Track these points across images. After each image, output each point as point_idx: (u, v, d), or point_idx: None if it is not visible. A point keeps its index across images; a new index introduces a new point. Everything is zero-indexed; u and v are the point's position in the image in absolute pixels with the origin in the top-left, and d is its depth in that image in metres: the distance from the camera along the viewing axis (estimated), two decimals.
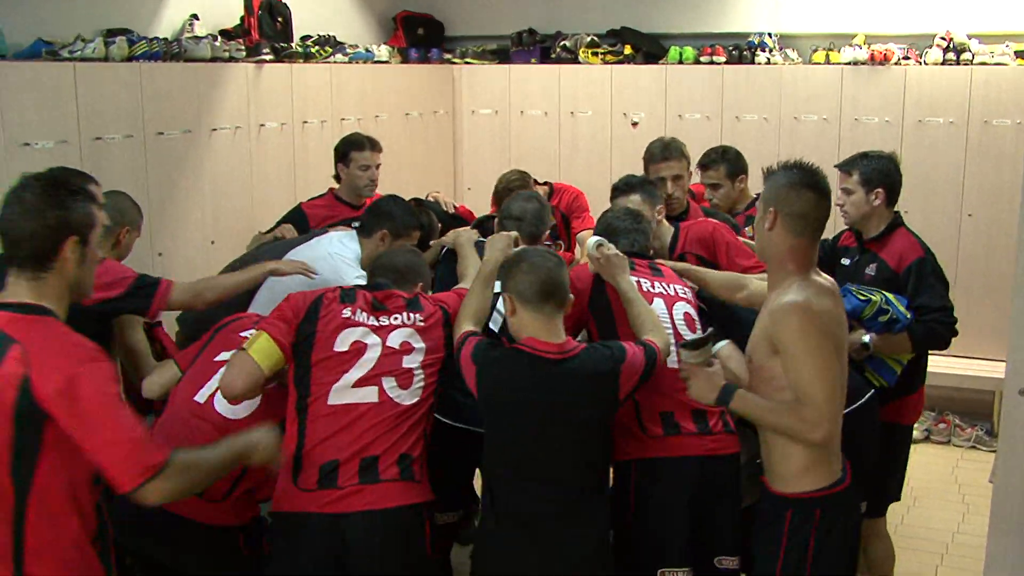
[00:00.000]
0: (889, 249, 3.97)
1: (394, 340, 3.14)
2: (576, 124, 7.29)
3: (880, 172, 3.96)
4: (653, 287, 3.51)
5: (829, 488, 2.91)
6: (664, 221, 4.13)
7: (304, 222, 4.93)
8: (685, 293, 3.58)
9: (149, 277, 3.63)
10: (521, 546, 3.01)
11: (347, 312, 3.15)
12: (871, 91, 6.41)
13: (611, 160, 6.88)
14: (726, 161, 4.89)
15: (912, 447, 5.84)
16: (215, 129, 5.36)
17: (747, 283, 3.62)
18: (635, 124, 7.08)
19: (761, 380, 2.95)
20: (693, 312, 3.53)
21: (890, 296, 3.74)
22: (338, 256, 4.09)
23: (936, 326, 3.83)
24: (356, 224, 4.39)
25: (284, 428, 3.03)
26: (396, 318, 3.19)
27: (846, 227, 4.19)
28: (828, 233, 4.20)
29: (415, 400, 3.09)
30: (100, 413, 2.38)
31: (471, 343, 3.09)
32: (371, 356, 3.10)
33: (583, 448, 3.06)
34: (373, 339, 3.13)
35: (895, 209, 4.06)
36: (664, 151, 4.62)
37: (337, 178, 5.09)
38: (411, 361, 3.13)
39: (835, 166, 4.05)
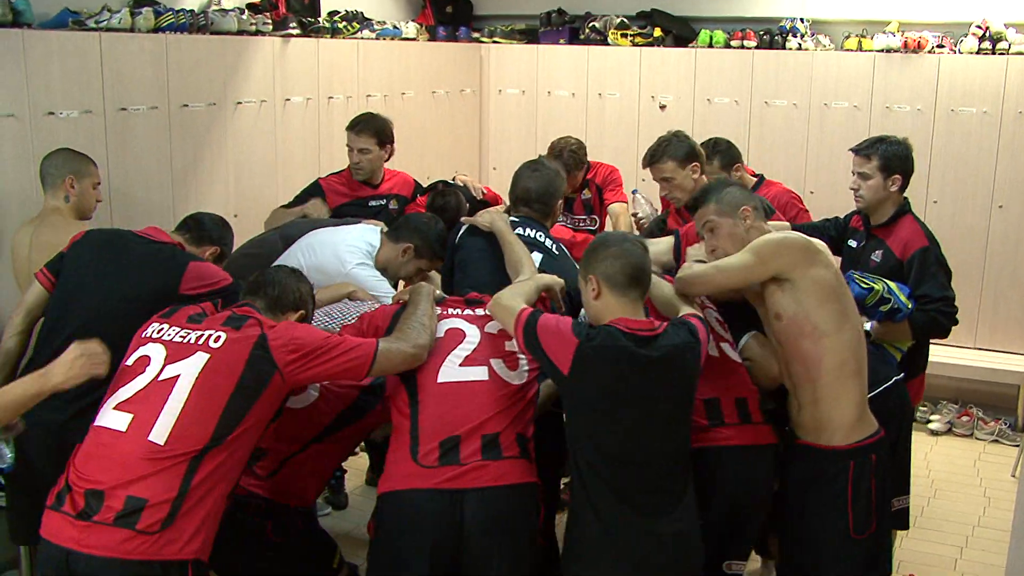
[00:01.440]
0: (895, 236, 3.99)
1: (491, 327, 3.21)
2: (604, 106, 7.23)
3: (899, 158, 3.98)
4: None
5: (876, 434, 3.21)
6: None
7: (321, 197, 4.93)
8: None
9: (238, 284, 3.58)
10: (622, 537, 2.91)
11: (438, 310, 3.26)
12: (903, 79, 6.31)
13: (638, 143, 6.80)
14: (718, 153, 4.81)
15: (934, 439, 5.86)
16: (240, 102, 5.36)
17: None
18: (663, 107, 7.02)
19: (798, 335, 3.16)
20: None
21: (892, 285, 3.75)
22: (351, 245, 4.07)
23: (937, 315, 3.86)
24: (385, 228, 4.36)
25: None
26: (486, 311, 3.28)
27: (857, 210, 4.17)
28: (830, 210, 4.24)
29: (523, 381, 3.11)
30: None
31: (556, 316, 3.06)
32: (472, 340, 3.16)
33: (677, 429, 2.99)
34: (470, 327, 3.21)
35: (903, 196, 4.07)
36: (650, 156, 4.60)
37: None
38: (512, 346, 3.16)
39: (852, 150, 4.08)
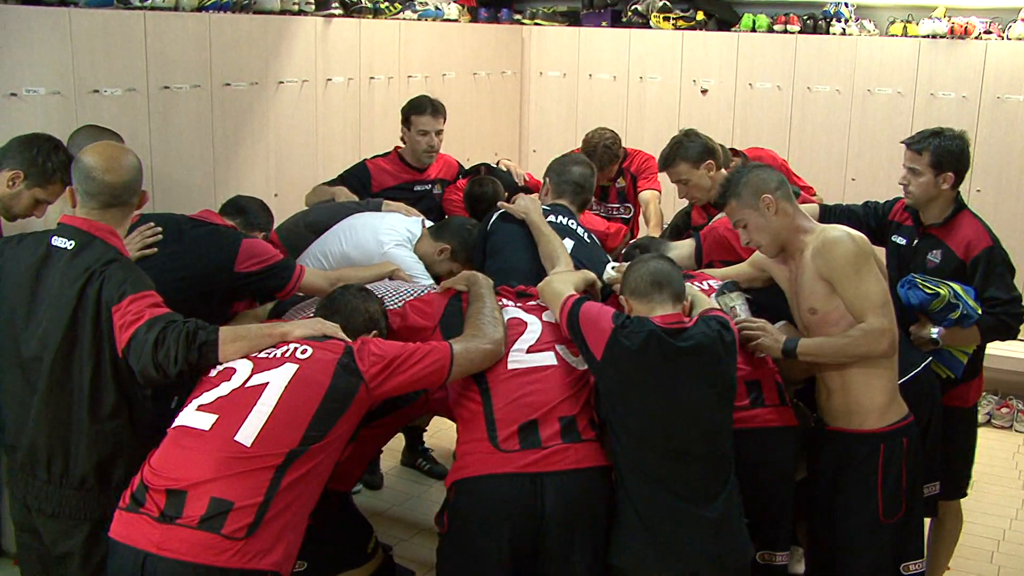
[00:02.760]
0: (955, 236, 3.77)
1: (548, 316, 3.24)
2: (644, 89, 7.20)
3: (953, 155, 3.73)
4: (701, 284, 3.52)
5: (906, 418, 3.24)
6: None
7: (368, 179, 4.95)
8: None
9: (291, 260, 3.67)
10: (663, 525, 2.89)
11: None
12: (949, 65, 6.23)
13: (678, 127, 6.67)
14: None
15: None
16: (282, 82, 5.38)
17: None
18: (704, 91, 6.98)
19: (827, 325, 3.21)
20: None
21: (958, 289, 3.60)
22: (391, 228, 4.09)
23: (1005, 318, 3.71)
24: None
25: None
26: (540, 303, 3.31)
27: (900, 197, 3.98)
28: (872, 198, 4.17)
29: (586, 367, 3.09)
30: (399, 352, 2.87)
31: (599, 305, 3.11)
32: (534, 329, 3.19)
33: (713, 418, 2.97)
34: (529, 316, 3.25)
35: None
36: (663, 160, 4.59)
37: (403, 139, 5.07)
38: None
39: (904, 142, 3.87)
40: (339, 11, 5.72)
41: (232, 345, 2.78)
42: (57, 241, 2.86)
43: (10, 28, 4.06)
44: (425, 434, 5.45)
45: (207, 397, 2.73)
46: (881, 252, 3.66)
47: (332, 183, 4.93)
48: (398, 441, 5.36)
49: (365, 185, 4.92)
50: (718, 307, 3.23)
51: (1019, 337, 6.00)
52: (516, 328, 3.19)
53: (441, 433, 5.66)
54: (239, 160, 5.19)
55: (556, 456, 2.89)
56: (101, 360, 2.77)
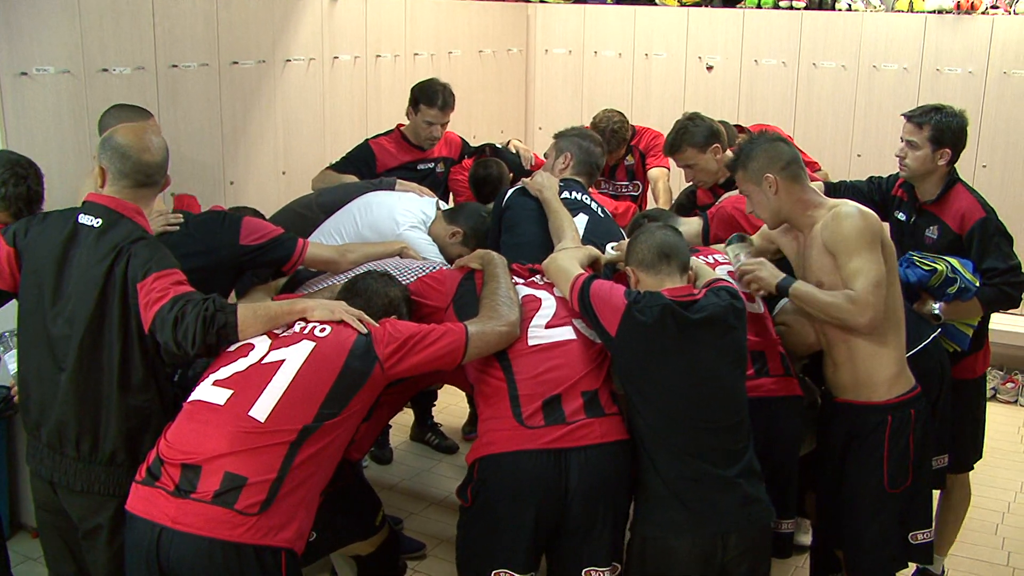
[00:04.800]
0: (949, 210, 3.81)
1: (559, 292, 3.25)
2: (650, 66, 7.21)
3: (952, 131, 3.76)
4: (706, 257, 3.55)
5: (914, 390, 3.26)
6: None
7: (372, 159, 4.95)
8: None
9: (291, 233, 3.69)
10: (688, 492, 2.88)
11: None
12: (955, 41, 6.23)
13: (684, 104, 6.79)
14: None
15: None
16: (289, 60, 5.40)
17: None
18: (710, 68, 6.99)
19: None
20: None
21: (955, 263, 3.63)
22: (407, 209, 4.12)
23: (1006, 288, 3.72)
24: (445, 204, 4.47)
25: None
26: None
27: (899, 178, 4.02)
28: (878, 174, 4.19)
29: (602, 343, 3.10)
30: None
31: (609, 283, 3.12)
32: (549, 304, 3.19)
33: (728, 387, 2.98)
34: (543, 293, 3.25)
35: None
36: (669, 146, 4.57)
37: (408, 117, 5.07)
38: None
39: (904, 115, 3.89)
40: None
41: (252, 326, 2.80)
42: (84, 219, 2.87)
43: (20, 8, 4.08)
44: (434, 409, 5.50)
45: (223, 372, 2.75)
46: (886, 227, 3.66)
47: (336, 166, 4.94)
48: (407, 416, 5.41)
49: (370, 165, 4.92)
50: (721, 278, 3.24)
51: (1023, 312, 6.10)
52: (531, 304, 3.20)
53: (450, 409, 5.71)
54: (247, 138, 5.22)
55: (581, 431, 2.90)
56: (129, 336, 2.79)
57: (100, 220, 2.85)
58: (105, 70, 4.42)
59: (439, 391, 5.42)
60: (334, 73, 5.74)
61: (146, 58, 4.60)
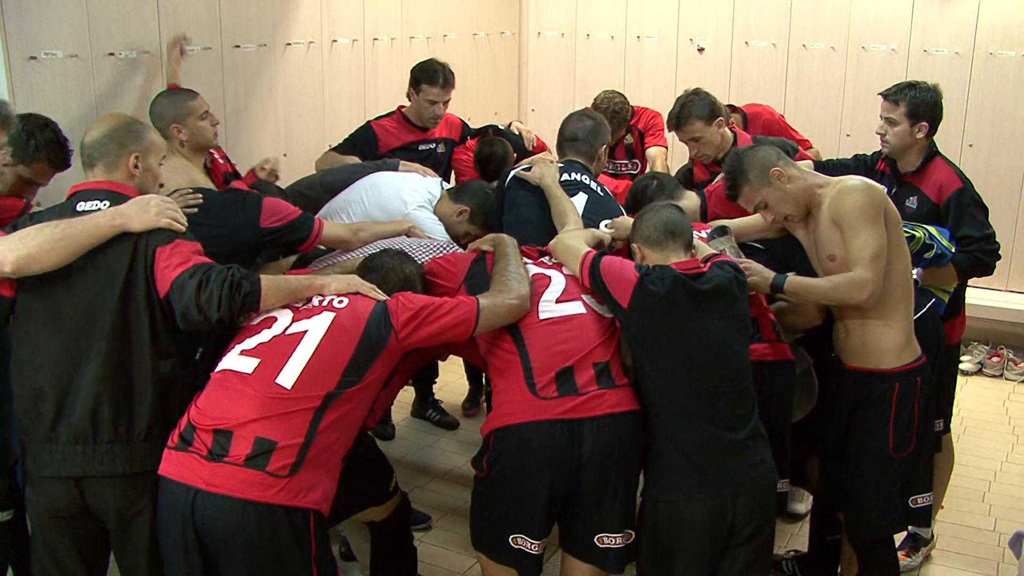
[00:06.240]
0: (928, 181, 3.99)
1: (568, 271, 3.34)
2: (642, 48, 7.30)
3: (927, 105, 3.94)
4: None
5: (920, 359, 3.39)
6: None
7: (374, 141, 5.03)
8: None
9: (310, 214, 3.80)
10: (700, 455, 2.98)
11: None
12: (942, 22, 6.33)
13: (676, 85, 6.86)
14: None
15: (964, 379, 5.99)
16: (289, 43, 5.47)
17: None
18: (701, 50, 7.07)
19: (847, 270, 3.30)
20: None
21: (932, 230, 3.77)
22: (414, 189, 4.22)
23: (980, 255, 3.90)
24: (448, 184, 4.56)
25: None
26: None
27: (882, 155, 4.17)
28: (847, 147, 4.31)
29: (611, 316, 3.19)
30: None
31: (619, 258, 3.21)
32: (558, 281, 3.29)
33: (735, 354, 3.07)
34: (552, 271, 3.34)
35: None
36: (676, 120, 4.60)
37: (409, 98, 5.15)
38: None
39: (880, 94, 4.05)
40: None
41: (273, 296, 2.88)
42: (84, 206, 2.87)
43: None
44: (434, 387, 5.60)
45: (249, 343, 2.86)
46: None
47: (339, 148, 5.02)
48: (408, 394, 5.50)
49: (372, 147, 5.00)
50: (718, 252, 3.36)
51: (1013, 288, 6.24)
52: (541, 281, 3.29)
53: (450, 386, 5.82)
54: (249, 120, 5.29)
55: (593, 402, 3.00)
56: (154, 306, 2.82)
57: (107, 202, 2.87)
58: (112, 54, 4.50)
59: (440, 369, 5.54)
60: (333, 56, 5.81)
61: (151, 42, 4.68)
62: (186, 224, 2.90)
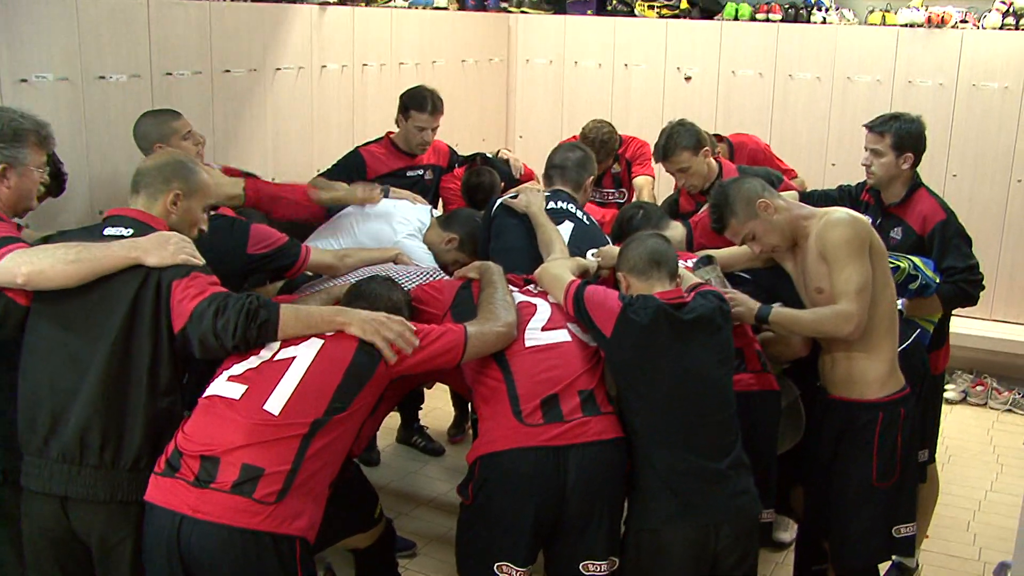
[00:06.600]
0: (912, 212, 4.04)
1: (553, 300, 3.37)
2: (630, 77, 7.35)
3: (912, 137, 4.01)
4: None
5: (904, 389, 3.42)
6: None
7: (363, 167, 5.03)
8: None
9: (295, 240, 3.83)
10: (682, 484, 3.00)
11: None
12: (926, 54, 6.41)
13: (663, 113, 6.92)
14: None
15: (949, 408, 6.01)
16: (279, 68, 5.49)
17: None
18: (688, 79, 7.13)
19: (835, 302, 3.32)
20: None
21: (917, 261, 3.81)
22: (405, 217, 4.23)
23: (964, 286, 3.94)
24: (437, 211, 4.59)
25: None
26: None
27: (867, 186, 4.21)
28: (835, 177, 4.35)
29: (595, 345, 3.21)
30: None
31: (603, 288, 3.24)
32: (544, 310, 3.31)
33: (718, 383, 3.10)
34: (537, 300, 3.37)
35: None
36: (663, 151, 4.65)
37: (398, 124, 5.17)
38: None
39: (865, 126, 4.11)
40: None
41: (292, 327, 2.88)
42: (111, 231, 2.96)
43: (20, 15, 4.15)
44: (420, 413, 5.60)
45: (237, 369, 2.85)
46: None
47: (327, 173, 5.01)
48: (393, 420, 5.49)
49: (360, 172, 4.99)
50: (704, 281, 3.39)
51: (997, 318, 6.29)
52: (527, 309, 3.31)
53: (435, 412, 5.81)
54: (238, 145, 5.30)
55: (578, 429, 3.01)
56: (160, 339, 2.83)
57: (132, 230, 2.94)
58: (102, 77, 4.50)
59: (425, 396, 5.53)
60: (322, 81, 5.83)
61: (142, 66, 4.68)
62: (203, 261, 2.93)
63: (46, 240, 2.98)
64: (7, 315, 2.90)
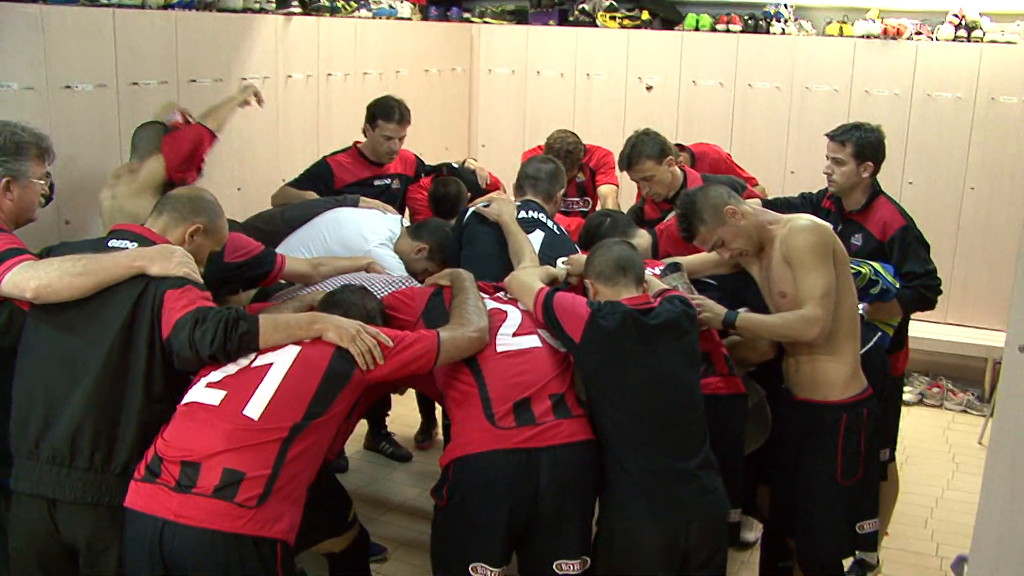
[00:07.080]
0: (872, 219, 4.14)
1: (523, 306, 3.42)
2: (591, 86, 7.43)
3: (872, 146, 4.12)
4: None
5: (867, 391, 3.50)
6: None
7: (330, 176, 5.08)
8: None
9: (270, 249, 3.88)
10: (652, 483, 3.06)
11: None
12: (882, 64, 6.55)
13: (624, 123, 7.00)
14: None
15: (906, 409, 6.11)
16: (244, 78, 5.49)
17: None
18: (649, 88, 7.22)
19: (798, 306, 3.41)
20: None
21: (877, 267, 3.91)
22: (375, 227, 4.28)
23: (923, 290, 4.05)
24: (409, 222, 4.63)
25: None
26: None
27: (829, 194, 4.30)
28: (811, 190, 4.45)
29: (565, 351, 3.27)
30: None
31: (572, 294, 3.31)
32: (515, 316, 3.37)
33: (686, 386, 3.16)
34: (508, 307, 3.43)
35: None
36: (627, 160, 4.70)
37: (365, 134, 5.20)
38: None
39: (827, 135, 4.21)
40: (298, 9, 5.86)
41: (272, 336, 2.91)
42: (115, 243, 3.02)
43: None
44: (387, 419, 5.63)
45: (215, 376, 2.88)
46: None
47: (295, 183, 5.06)
48: (361, 426, 5.51)
49: (327, 182, 5.05)
50: (671, 287, 3.46)
51: (952, 321, 6.42)
52: (498, 316, 3.37)
53: (402, 419, 5.84)
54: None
55: (550, 431, 3.07)
56: (155, 347, 2.87)
57: (136, 244, 3.00)
58: (68, 87, 4.50)
59: (392, 402, 5.57)
60: (288, 91, 5.86)
61: (107, 75, 4.69)
62: (201, 281, 2.99)
63: (49, 252, 3.02)
64: (12, 322, 2.97)
